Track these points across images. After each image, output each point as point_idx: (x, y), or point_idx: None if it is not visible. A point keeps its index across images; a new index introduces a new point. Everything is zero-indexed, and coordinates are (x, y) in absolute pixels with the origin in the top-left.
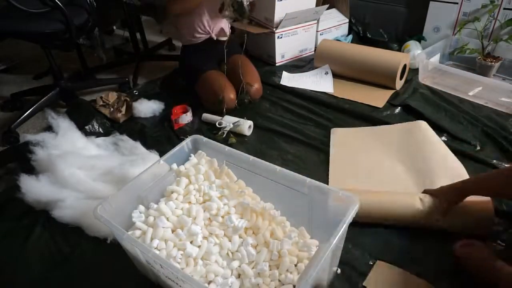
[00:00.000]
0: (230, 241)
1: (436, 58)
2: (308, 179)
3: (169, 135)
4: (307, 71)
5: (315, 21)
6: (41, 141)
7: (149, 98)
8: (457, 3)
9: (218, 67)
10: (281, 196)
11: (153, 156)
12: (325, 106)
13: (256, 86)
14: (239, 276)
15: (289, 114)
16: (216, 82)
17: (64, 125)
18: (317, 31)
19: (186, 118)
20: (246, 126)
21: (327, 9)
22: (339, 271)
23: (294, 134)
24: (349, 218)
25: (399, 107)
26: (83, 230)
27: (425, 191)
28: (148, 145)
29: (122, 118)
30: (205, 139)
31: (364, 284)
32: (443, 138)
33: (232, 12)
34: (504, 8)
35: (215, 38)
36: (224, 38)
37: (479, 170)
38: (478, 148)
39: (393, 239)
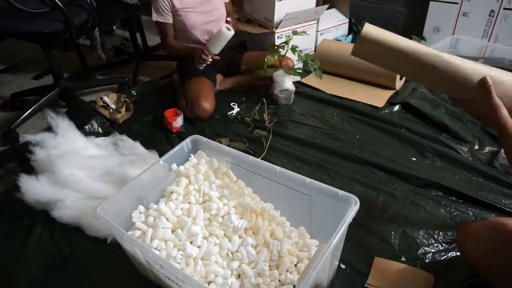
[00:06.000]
0: (230, 241)
1: None
2: (308, 179)
3: (168, 135)
4: None
5: (315, 21)
6: (40, 141)
7: (148, 98)
8: (457, 3)
9: (213, 74)
10: (281, 196)
11: (153, 156)
12: (328, 105)
13: (288, 62)
14: (239, 276)
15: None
16: (198, 89)
17: (64, 125)
18: (317, 31)
19: (181, 121)
20: None
21: (327, 9)
22: (341, 267)
23: (299, 135)
24: (349, 218)
25: (398, 105)
26: (83, 230)
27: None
28: (147, 145)
29: (122, 118)
30: (205, 139)
31: (368, 282)
32: (444, 134)
33: None
34: (504, 8)
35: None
36: None
37: (475, 169)
38: (477, 147)
39: (393, 238)
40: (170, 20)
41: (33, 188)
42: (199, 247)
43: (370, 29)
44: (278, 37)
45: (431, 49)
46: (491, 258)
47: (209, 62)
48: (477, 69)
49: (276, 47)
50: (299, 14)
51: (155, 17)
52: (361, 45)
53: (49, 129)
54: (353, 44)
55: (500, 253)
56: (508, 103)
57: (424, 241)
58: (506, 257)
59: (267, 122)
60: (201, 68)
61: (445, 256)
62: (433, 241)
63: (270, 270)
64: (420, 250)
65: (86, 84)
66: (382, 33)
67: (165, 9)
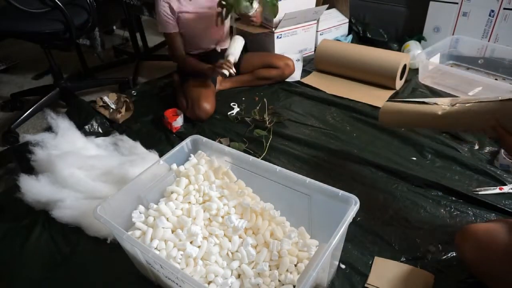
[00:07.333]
0: (230, 241)
1: (436, 58)
2: (308, 179)
3: (168, 135)
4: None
5: (315, 21)
6: (40, 141)
7: (148, 98)
8: (457, 3)
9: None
10: (281, 196)
11: (153, 156)
12: (328, 105)
13: (288, 62)
14: (239, 276)
15: (293, 112)
16: (198, 89)
17: (64, 125)
18: (317, 31)
19: (181, 121)
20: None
21: (327, 9)
22: (341, 267)
23: (299, 135)
24: (349, 218)
25: None
26: (83, 230)
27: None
28: (147, 145)
29: (122, 118)
30: (205, 139)
31: (368, 282)
32: (444, 134)
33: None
34: (504, 8)
35: (219, 50)
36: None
37: (475, 169)
38: (477, 147)
39: (393, 238)
40: (174, 28)
41: (33, 188)
42: (199, 247)
43: (386, 109)
44: (277, 37)
45: (443, 106)
46: (490, 260)
47: (233, 71)
48: (488, 108)
49: None
50: (298, 14)
51: (160, 28)
52: (381, 119)
53: (49, 129)
54: (353, 44)
55: (500, 255)
56: None
57: (424, 241)
58: (505, 259)
59: (267, 122)
60: (227, 76)
61: (445, 256)
62: (433, 241)
63: (270, 270)
64: (420, 251)
65: (86, 84)
66: (398, 109)
67: (166, 14)
